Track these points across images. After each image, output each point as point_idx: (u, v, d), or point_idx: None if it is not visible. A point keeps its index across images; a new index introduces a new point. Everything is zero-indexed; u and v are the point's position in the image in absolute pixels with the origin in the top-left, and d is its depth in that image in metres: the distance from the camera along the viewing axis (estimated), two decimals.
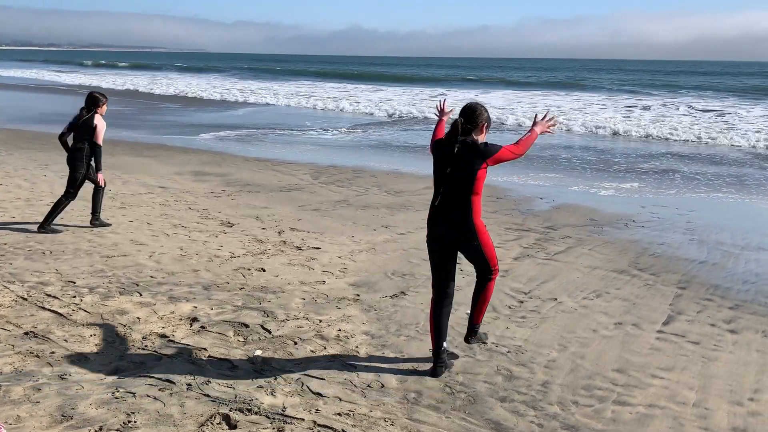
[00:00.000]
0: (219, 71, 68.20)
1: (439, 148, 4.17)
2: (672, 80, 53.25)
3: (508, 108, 27.87)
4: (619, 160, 14.69)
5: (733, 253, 7.39)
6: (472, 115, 4.09)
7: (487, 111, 4.20)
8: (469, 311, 4.43)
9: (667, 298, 5.87)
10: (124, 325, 4.85)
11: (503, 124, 23.11)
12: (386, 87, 43.17)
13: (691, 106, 28.69)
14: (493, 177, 11.90)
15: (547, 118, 4.38)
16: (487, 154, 3.98)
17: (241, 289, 5.75)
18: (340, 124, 22.18)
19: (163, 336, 4.70)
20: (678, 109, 27.88)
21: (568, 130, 20.75)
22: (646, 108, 28.33)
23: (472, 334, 4.38)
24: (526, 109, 26.98)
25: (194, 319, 5.01)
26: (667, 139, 19.12)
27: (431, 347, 4.29)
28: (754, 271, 6.76)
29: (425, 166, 13.13)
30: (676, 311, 5.56)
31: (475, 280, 4.27)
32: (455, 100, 26.94)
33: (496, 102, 30.74)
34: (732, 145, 17.80)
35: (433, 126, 4.64)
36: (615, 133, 20.16)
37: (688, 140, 18.80)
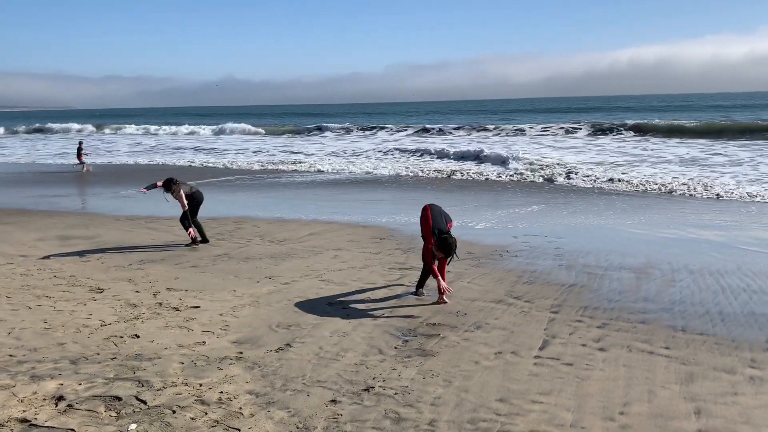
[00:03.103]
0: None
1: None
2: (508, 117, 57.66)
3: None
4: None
5: (598, 274, 7.91)
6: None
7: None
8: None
9: (542, 324, 6.15)
10: None
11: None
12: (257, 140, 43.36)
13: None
14: (376, 218, 12.13)
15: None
16: None
17: (112, 359, 5.40)
18: (211, 175, 21.73)
19: (24, 421, 4.29)
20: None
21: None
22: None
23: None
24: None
25: (60, 398, 4.62)
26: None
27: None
28: (617, 290, 7.25)
29: (309, 212, 13.10)
30: (551, 335, 5.83)
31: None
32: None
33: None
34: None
35: None
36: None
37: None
